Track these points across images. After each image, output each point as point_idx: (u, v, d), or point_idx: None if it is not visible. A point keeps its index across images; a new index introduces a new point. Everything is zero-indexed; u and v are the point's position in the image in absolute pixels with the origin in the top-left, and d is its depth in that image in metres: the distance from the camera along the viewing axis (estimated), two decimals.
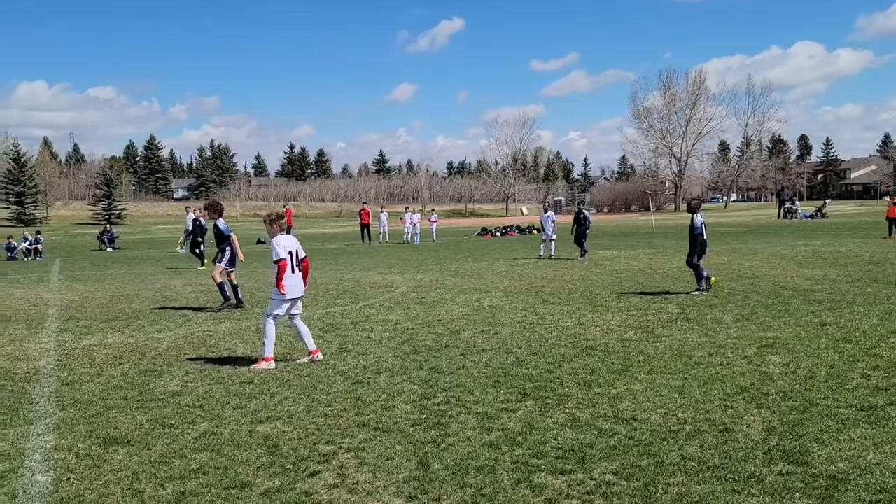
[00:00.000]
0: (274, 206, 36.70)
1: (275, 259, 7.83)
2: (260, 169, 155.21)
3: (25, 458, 5.06)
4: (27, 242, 28.41)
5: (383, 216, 35.26)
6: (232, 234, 12.35)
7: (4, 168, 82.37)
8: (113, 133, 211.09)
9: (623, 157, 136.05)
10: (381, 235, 34.55)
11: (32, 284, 17.64)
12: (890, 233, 26.67)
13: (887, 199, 29.72)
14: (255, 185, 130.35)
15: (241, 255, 12.43)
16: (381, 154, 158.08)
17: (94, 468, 4.84)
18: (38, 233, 30.59)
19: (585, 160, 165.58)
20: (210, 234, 14.63)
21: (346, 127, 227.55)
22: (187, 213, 28.25)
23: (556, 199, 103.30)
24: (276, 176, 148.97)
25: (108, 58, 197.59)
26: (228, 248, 12.19)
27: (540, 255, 22.17)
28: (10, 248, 28.12)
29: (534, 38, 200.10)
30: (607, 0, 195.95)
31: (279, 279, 7.76)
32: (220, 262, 12.18)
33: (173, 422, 5.85)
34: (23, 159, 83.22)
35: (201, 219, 21.22)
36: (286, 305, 7.94)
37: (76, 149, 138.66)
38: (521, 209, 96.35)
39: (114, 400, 6.56)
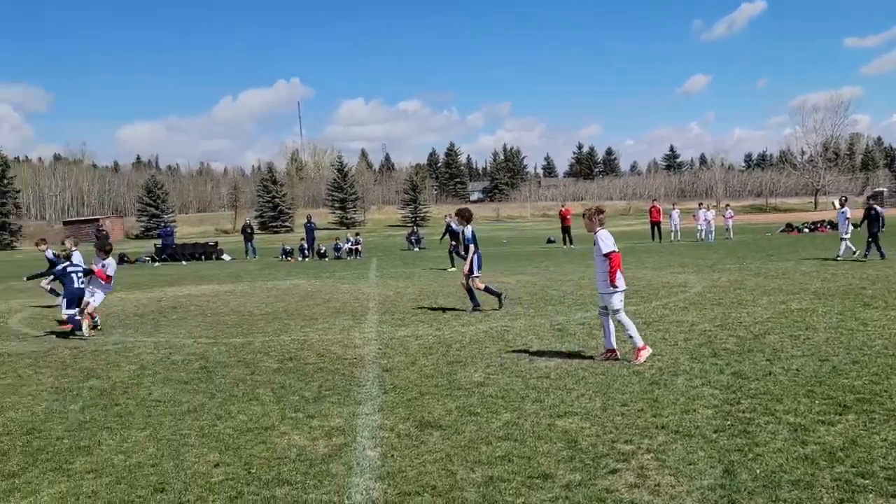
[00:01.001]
0: (564, 206, 37.26)
1: (605, 252, 7.92)
2: (549, 170, 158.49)
3: (357, 434, 5.76)
4: (349, 243, 32.14)
5: (675, 213, 34.02)
6: (472, 244, 12.55)
7: (331, 178, 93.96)
8: (418, 142, 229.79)
9: None
10: (672, 233, 33.38)
11: (355, 280, 19.91)
12: None
13: None
14: (544, 185, 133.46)
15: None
16: (671, 149, 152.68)
17: (413, 448, 5.36)
18: (358, 234, 34.41)
19: None
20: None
21: (634, 123, 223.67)
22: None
23: (876, 190, 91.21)
24: (564, 176, 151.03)
25: (414, 74, 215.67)
26: (475, 255, 12.47)
27: (837, 256, 19.54)
28: (337, 249, 32.08)
29: (849, 13, 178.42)
30: None
31: (613, 272, 7.85)
32: (472, 269, 12.41)
33: (479, 410, 6.25)
34: (345, 169, 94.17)
35: (452, 223, 22.33)
36: (622, 296, 8.05)
37: (387, 158, 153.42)
38: (832, 203, 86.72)
39: (427, 387, 7.19)
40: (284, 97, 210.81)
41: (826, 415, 5.66)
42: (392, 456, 5.20)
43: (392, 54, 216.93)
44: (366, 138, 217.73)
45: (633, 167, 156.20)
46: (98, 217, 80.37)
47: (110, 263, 12.13)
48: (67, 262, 12.55)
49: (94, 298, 11.71)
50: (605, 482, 4.53)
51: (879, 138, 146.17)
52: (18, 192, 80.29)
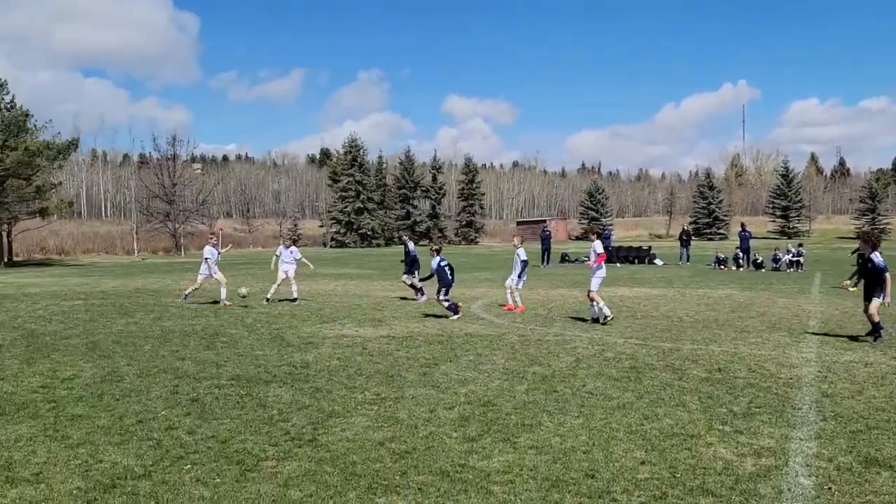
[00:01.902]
0: None
1: None
2: None
3: (789, 459, 5.46)
4: (790, 254, 29.78)
5: None
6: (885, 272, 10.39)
7: (773, 183, 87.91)
8: (882, 143, 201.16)
9: None
10: None
11: (794, 295, 18.45)
12: None
13: None
14: None
15: None
16: None
17: (854, 485, 4.89)
18: (801, 245, 31.67)
19: None
20: None
21: None
22: None
23: None
24: None
25: (882, 68, 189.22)
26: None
27: None
28: (775, 259, 30.02)
29: None
30: None
31: None
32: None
33: None
34: (790, 175, 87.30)
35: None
36: None
37: (842, 162, 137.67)
38: None
39: (876, 420, 6.43)
40: (729, 100, 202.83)
41: None
42: (829, 489, 4.82)
43: (853, 45, 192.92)
44: (818, 141, 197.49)
45: None
46: (545, 219, 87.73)
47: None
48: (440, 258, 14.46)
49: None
50: None
51: None
52: (483, 194, 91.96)
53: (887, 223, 76.69)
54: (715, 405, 7.05)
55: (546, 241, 33.72)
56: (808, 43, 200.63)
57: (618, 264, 33.33)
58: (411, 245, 18.59)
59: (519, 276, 14.97)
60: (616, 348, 10.34)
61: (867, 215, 77.62)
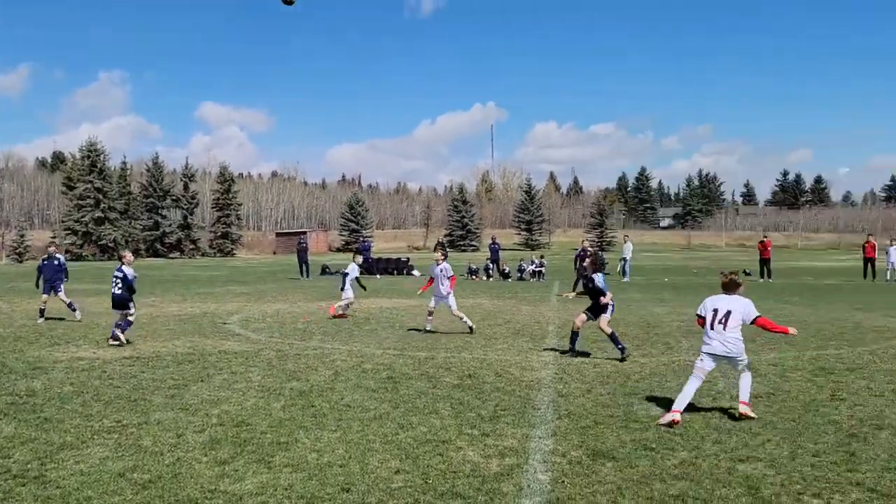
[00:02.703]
0: (765, 237, 35.05)
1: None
2: (748, 197, 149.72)
3: (529, 457, 5.88)
4: (533, 265, 32.35)
5: (893, 250, 30.86)
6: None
7: (518, 199, 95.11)
8: (608, 166, 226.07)
9: None
10: (888, 272, 30.30)
11: (536, 302, 20.04)
12: None
13: None
14: (743, 214, 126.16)
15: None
16: (892, 179, 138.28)
17: (584, 476, 5.39)
18: (542, 257, 34.52)
19: None
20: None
21: (851, 150, 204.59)
22: (625, 241, 31.23)
23: None
24: (765, 204, 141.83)
25: (610, 97, 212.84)
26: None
27: None
28: (520, 270, 32.42)
29: None
30: None
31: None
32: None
33: (654, 445, 6.14)
34: (533, 192, 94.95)
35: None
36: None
37: (576, 181, 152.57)
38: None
39: (601, 416, 7.16)
40: (479, 119, 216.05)
41: None
42: (562, 482, 5.26)
43: (587, 77, 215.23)
44: (556, 161, 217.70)
45: (847, 198, 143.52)
46: (305, 230, 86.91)
47: None
48: None
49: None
50: None
51: None
52: (240, 204, 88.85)
53: (613, 236, 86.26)
54: (465, 410, 7.41)
55: (303, 252, 33.39)
56: (550, 70, 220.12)
57: (377, 276, 33.94)
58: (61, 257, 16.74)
59: (342, 289, 16.20)
60: (374, 359, 10.48)
61: (597, 229, 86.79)
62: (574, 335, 10.87)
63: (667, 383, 8.75)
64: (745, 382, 7.21)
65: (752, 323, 7.16)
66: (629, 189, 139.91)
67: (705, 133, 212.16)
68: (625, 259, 31.31)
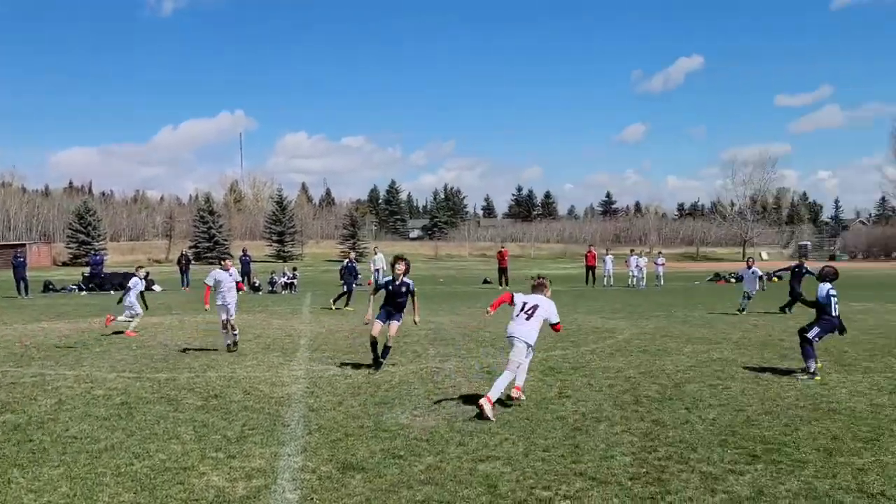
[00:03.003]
0: (502, 247, 37.78)
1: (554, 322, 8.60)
2: (488, 210, 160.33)
3: (278, 476, 5.71)
4: (285, 277, 31.78)
5: (609, 259, 34.83)
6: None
7: (269, 210, 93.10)
8: (360, 178, 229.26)
9: (882, 198, 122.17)
10: (605, 279, 34.13)
11: (287, 315, 19.68)
12: None
13: None
14: (484, 225, 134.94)
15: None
16: (607, 195, 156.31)
17: (333, 490, 5.35)
18: (295, 269, 34.06)
19: (836, 202, 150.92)
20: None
21: (573, 168, 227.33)
22: (376, 252, 31.69)
23: (801, 243, 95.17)
24: (503, 217, 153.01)
25: (360, 111, 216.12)
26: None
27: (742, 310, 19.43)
28: (272, 282, 31.66)
29: (780, 72, 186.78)
30: (867, 28, 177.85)
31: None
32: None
33: (402, 453, 6.28)
34: (284, 202, 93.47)
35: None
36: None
37: (328, 192, 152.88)
38: (759, 254, 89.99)
39: (352, 428, 7.18)
40: (227, 128, 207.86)
41: (737, 464, 5.89)
42: (311, 499, 5.18)
43: (339, 89, 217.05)
44: (307, 172, 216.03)
45: (571, 211, 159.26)
46: (23, 243, 77.43)
47: None
48: None
49: None
50: None
51: (805, 194, 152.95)
52: None
53: (365, 247, 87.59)
54: (210, 433, 7.03)
55: (19, 268, 29.57)
56: (300, 80, 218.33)
57: (112, 291, 31.19)
58: None
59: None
60: (106, 384, 9.58)
61: (349, 240, 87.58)
62: (374, 345, 10.69)
63: (415, 390, 9.02)
64: (523, 374, 8.35)
65: (552, 325, 8.40)
66: (380, 201, 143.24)
67: (449, 149, 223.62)
68: (378, 270, 31.91)
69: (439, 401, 8.41)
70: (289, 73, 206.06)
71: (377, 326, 10.58)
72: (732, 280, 39.06)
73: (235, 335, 12.66)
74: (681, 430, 7.00)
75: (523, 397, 8.28)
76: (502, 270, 33.19)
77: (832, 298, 10.00)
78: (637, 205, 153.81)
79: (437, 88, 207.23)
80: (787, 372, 10.06)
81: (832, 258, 78.43)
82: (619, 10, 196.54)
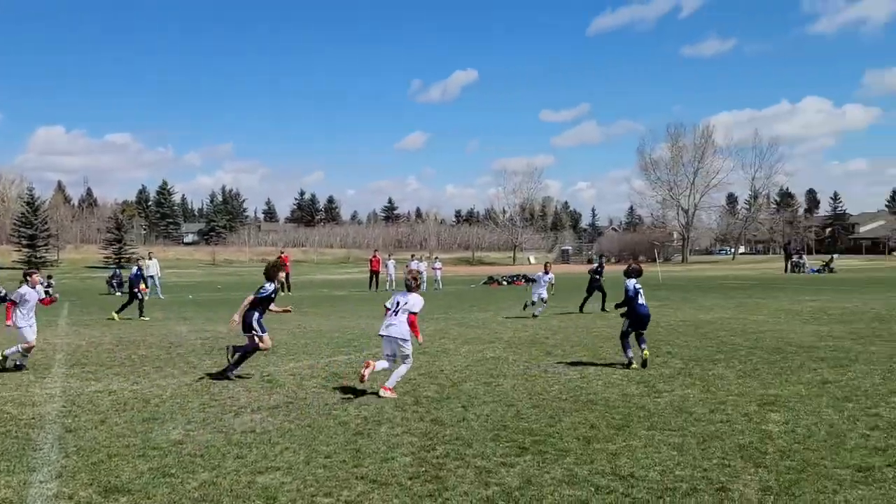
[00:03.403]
0: (283, 253, 37.06)
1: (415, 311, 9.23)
2: (270, 214, 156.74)
3: None
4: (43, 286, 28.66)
5: (391, 264, 35.48)
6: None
7: (18, 211, 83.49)
8: (126, 178, 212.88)
9: (631, 207, 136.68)
10: (388, 283, 34.72)
11: (41, 328, 17.74)
12: None
13: None
14: (265, 230, 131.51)
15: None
16: (390, 201, 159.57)
17: None
18: (50, 277, 30.85)
19: (593, 210, 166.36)
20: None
21: (356, 174, 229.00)
22: (150, 257, 30.67)
23: (563, 248, 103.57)
24: (285, 221, 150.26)
25: (127, 105, 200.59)
26: None
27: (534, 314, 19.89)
28: None
29: (545, 89, 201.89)
30: (620, 52, 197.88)
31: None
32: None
33: (174, 471, 5.90)
34: (37, 203, 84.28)
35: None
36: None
37: (89, 193, 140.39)
38: (528, 258, 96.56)
39: (116, 448, 6.62)
40: None
41: (507, 457, 6.24)
42: None
43: (102, 80, 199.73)
44: (65, 170, 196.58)
45: (354, 216, 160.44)
46: None
47: None
48: None
49: None
50: None
51: (566, 203, 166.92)
52: None
53: (134, 252, 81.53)
54: None
55: None
56: (53, 69, 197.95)
57: None
58: None
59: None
60: None
61: (115, 244, 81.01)
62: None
63: (189, 403, 8.53)
64: (400, 371, 8.92)
65: (408, 315, 9.05)
66: (150, 203, 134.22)
67: (227, 151, 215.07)
68: (152, 277, 29.79)
69: (216, 413, 8.04)
70: (42, 59, 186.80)
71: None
72: (504, 283, 41.46)
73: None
74: (458, 427, 7.28)
75: (393, 395, 8.73)
76: (284, 276, 32.66)
77: (639, 293, 11.11)
78: (418, 211, 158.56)
79: (212, 87, 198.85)
80: (552, 368, 10.85)
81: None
82: (397, 20, 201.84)
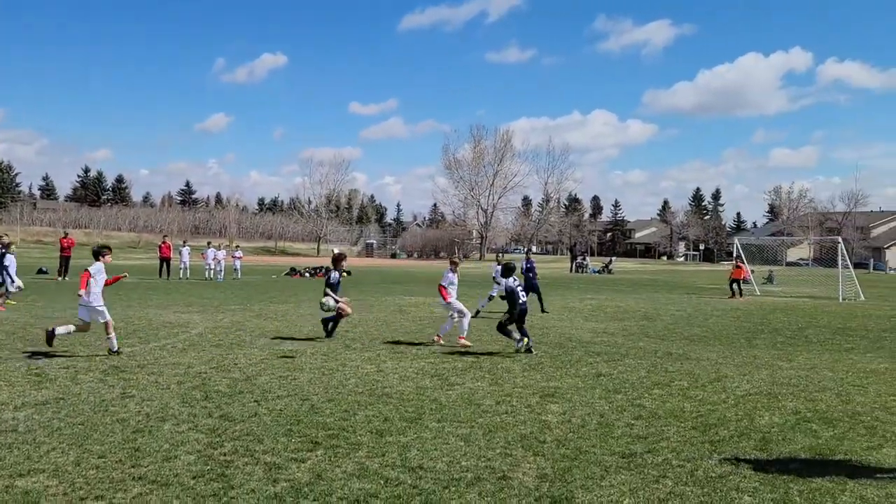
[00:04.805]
0: (66, 234, 33.90)
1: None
2: (48, 192, 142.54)
3: None
4: None
5: (185, 251, 33.66)
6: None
7: None
8: None
9: (434, 204, 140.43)
10: (181, 271, 32.92)
11: None
12: (733, 294, 27.95)
13: (732, 262, 31.45)
14: (41, 208, 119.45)
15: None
16: (187, 184, 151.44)
17: None
18: None
19: (398, 205, 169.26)
20: None
21: (150, 153, 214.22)
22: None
23: (368, 241, 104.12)
24: (66, 200, 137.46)
25: None
26: None
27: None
28: None
29: (355, 81, 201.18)
30: (428, 52, 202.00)
31: None
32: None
33: None
34: None
35: None
36: None
37: None
38: (332, 250, 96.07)
39: None
40: None
41: (299, 452, 6.15)
42: None
43: None
44: None
45: (147, 198, 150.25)
46: None
47: None
48: None
49: None
50: None
51: (373, 196, 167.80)
52: None
53: None
54: None
55: None
56: None
57: None
58: None
59: None
60: None
61: None
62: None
63: None
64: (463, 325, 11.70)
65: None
66: None
67: None
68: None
69: None
70: None
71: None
72: (307, 274, 40.87)
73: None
74: (249, 422, 7.06)
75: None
76: (65, 260, 29.95)
77: (518, 288, 11.97)
78: (218, 196, 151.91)
79: None
80: (350, 361, 10.87)
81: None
82: None
